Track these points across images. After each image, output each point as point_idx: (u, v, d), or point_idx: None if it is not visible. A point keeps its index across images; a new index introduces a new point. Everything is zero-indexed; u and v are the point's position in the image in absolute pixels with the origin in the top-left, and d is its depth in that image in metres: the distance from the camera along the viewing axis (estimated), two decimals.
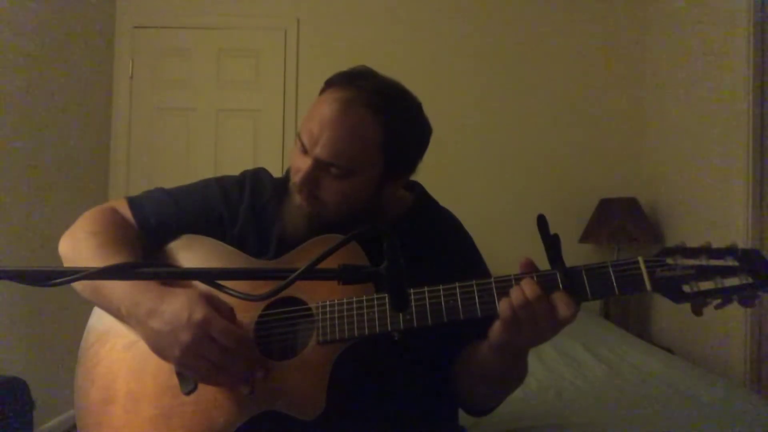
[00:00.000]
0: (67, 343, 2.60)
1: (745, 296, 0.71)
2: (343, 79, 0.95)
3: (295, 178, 0.94)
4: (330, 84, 0.96)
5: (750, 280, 0.71)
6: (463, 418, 1.13)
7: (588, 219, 3.01)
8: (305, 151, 0.93)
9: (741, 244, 0.75)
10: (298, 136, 0.95)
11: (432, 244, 1.02)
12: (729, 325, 2.33)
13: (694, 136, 2.71)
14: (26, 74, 2.51)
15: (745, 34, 2.28)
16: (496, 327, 0.79)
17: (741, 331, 2.26)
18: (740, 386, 2.06)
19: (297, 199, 0.96)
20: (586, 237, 2.98)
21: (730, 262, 0.72)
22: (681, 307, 0.75)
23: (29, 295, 2.43)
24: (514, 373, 0.90)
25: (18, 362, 2.35)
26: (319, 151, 0.91)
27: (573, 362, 1.92)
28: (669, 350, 2.42)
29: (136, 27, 3.27)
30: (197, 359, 0.82)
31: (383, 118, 0.92)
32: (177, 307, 0.82)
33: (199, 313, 0.80)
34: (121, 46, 3.27)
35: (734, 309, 2.30)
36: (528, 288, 0.76)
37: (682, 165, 2.82)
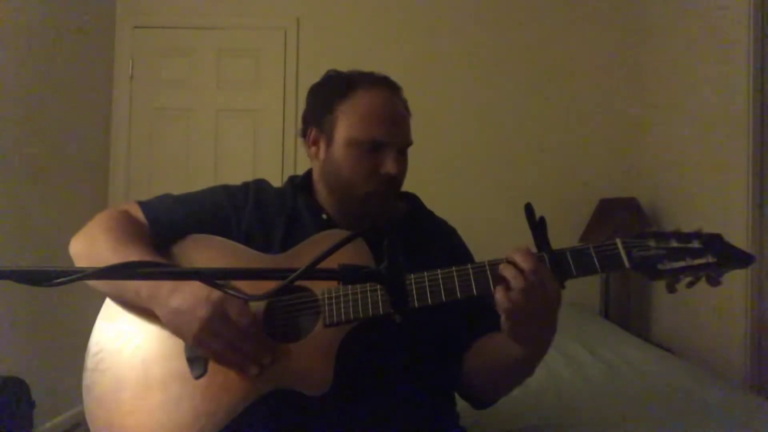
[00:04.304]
0: (67, 343, 2.60)
1: (711, 274, 0.80)
2: (367, 79, 1.07)
3: (391, 172, 1.01)
4: (356, 86, 1.05)
5: (714, 260, 0.79)
6: (463, 418, 1.14)
7: (588, 219, 3.01)
8: (374, 149, 1.01)
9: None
10: (362, 142, 1.02)
11: (426, 249, 1.06)
12: (729, 325, 2.33)
13: (694, 136, 2.70)
14: (26, 74, 2.51)
15: (746, 33, 2.28)
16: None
17: (741, 331, 2.26)
18: (740, 386, 2.06)
19: (379, 193, 1.03)
20: (586, 237, 2.98)
21: (696, 244, 0.80)
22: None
23: (29, 295, 2.43)
24: (527, 359, 0.90)
25: (18, 362, 2.35)
26: (403, 136, 1.06)
27: (573, 362, 1.92)
28: (669, 350, 2.41)
29: (136, 27, 3.28)
30: (212, 336, 0.87)
31: (401, 95, 1.10)
32: (196, 286, 0.88)
33: (217, 292, 0.86)
34: (121, 46, 3.27)
35: (734, 308, 2.28)
36: (517, 262, 0.79)
37: (682, 165, 2.82)
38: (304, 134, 1.12)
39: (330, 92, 1.07)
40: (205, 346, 0.89)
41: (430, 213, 1.20)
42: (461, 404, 1.10)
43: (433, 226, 1.18)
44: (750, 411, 1.48)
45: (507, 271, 0.79)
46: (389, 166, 1.01)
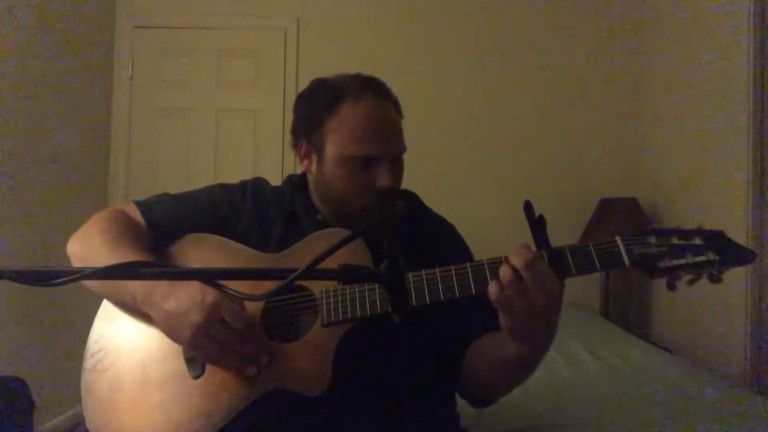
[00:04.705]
0: (67, 343, 2.60)
1: (713, 272, 0.78)
2: (354, 88, 1.03)
3: (386, 186, 0.99)
4: (343, 98, 1.02)
5: (716, 257, 0.78)
6: (463, 418, 1.13)
7: (588, 219, 3.01)
8: (366, 164, 1.00)
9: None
10: (353, 158, 0.99)
11: (426, 247, 1.05)
12: (729, 325, 2.33)
13: (694, 136, 2.71)
14: (26, 74, 2.51)
15: (746, 33, 2.28)
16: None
17: (741, 331, 2.26)
18: (740, 386, 2.06)
19: (376, 206, 1.01)
20: (586, 237, 2.98)
21: (698, 241, 0.79)
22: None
23: (29, 295, 2.43)
24: (527, 358, 0.89)
25: (18, 362, 2.35)
26: (396, 146, 1.03)
27: (573, 362, 1.92)
28: (669, 350, 2.42)
29: (136, 27, 3.27)
30: (207, 340, 0.86)
31: (391, 97, 1.07)
32: (191, 290, 0.87)
33: (210, 296, 0.86)
34: (121, 46, 3.27)
35: (734, 308, 2.27)
36: (514, 260, 0.77)
37: (682, 165, 2.82)
38: (295, 146, 1.11)
39: (317, 106, 1.04)
40: (200, 349, 0.88)
41: (429, 210, 1.19)
42: (461, 404, 1.10)
43: (432, 223, 1.17)
44: (750, 411, 1.48)
45: (502, 268, 0.78)
46: (383, 180, 1.00)
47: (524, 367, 0.91)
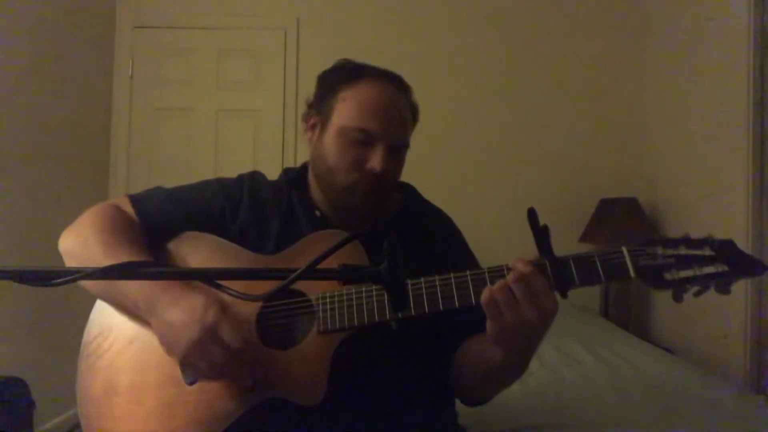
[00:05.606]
0: (67, 343, 2.58)
1: (721, 283, 0.76)
2: (375, 71, 1.04)
3: (375, 168, 0.97)
4: (362, 75, 1.03)
5: (725, 269, 0.75)
6: (463, 417, 1.13)
7: (588, 219, 3.01)
8: (364, 141, 0.98)
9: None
10: (352, 130, 0.98)
11: (423, 241, 1.04)
12: (729, 325, 2.32)
13: (694, 137, 2.70)
14: (26, 74, 2.51)
15: (746, 35, 2.28)
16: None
17: (741, 331, 2.26)
18: (740, 386, 2.06)
19: (360, 188, 0.99)
20: (586, 237, 2.98)
21: (707, 251, 0.76)
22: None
23: (29, 295, 2.43)
24: (510, 366, 0.89)
25: (18, 362, 2.34)
26: (397, 134, 1.01)
27: (573, 362, 1.92)
28: (669, 350, 2.41)
29: (136, 27, 3.27)
30: (200, 357, 0.84)
31: (410, 97, 1.07)
32: (193, 305, 0.86)
33: (211, 316, 0.84)
34: (121, 46, 3.27)
35: (734, 309, 2.27)
36: (509, 274, 0.77)
37: (682, 165, 2.82)
38: (305, 118, 1.10)
39: (336, 78, 1.05)
40: (192, 365, 0.86)
41: (426, 202, 1.17)
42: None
43: (429, 217, 1.15)
44: (750, 411, 1.48)
45: (497, 281, 0.77)
46: (375, 162, 0.97)
47: (508, 372, 0.91)
